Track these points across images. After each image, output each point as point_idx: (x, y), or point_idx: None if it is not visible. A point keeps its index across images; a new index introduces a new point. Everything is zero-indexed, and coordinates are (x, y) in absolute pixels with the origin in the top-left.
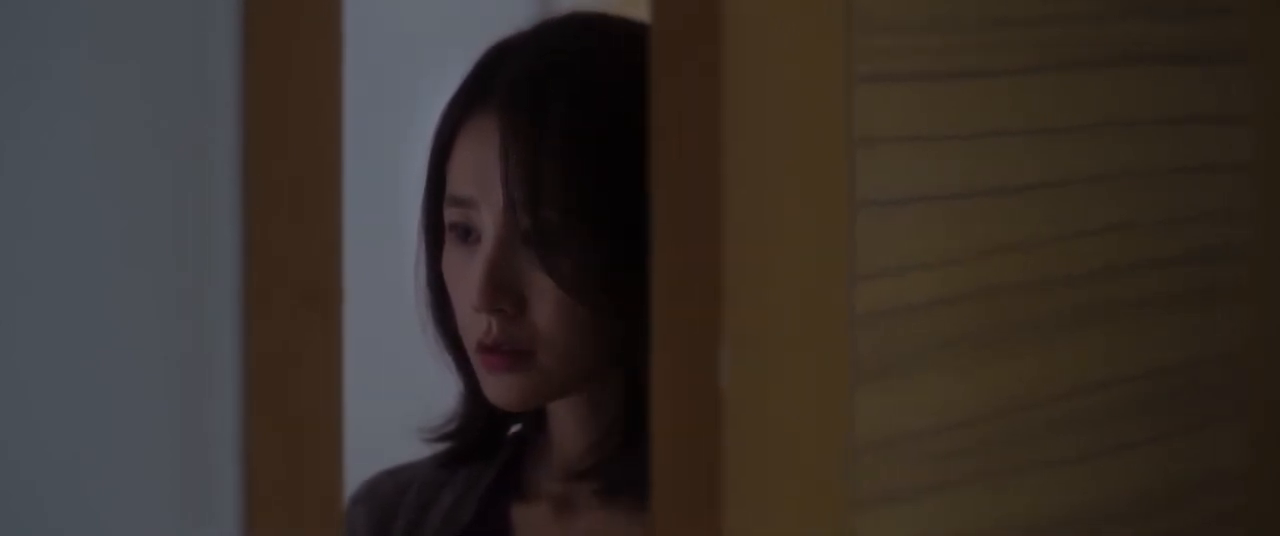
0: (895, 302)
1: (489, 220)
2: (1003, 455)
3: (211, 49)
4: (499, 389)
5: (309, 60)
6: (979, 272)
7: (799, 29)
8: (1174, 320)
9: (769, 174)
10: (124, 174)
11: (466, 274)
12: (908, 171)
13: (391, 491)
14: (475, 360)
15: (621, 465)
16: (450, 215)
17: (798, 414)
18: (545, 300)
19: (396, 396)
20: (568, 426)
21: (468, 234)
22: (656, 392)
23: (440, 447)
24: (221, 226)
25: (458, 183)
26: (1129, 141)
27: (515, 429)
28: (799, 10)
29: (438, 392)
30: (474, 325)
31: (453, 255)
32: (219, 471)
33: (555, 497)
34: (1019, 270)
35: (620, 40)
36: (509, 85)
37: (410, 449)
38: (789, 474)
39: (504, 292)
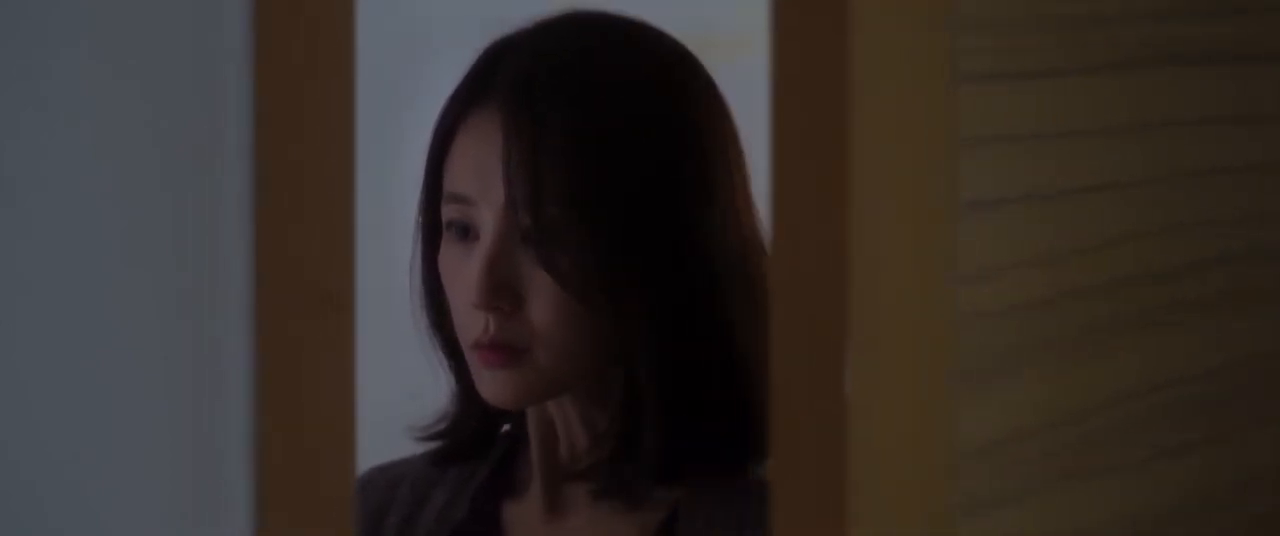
0: (993, 305)
1: (488, 218)
2: (1088, 457)
3: (221, 48)
4: (494, 386)
5: (320, 58)
6: (1068, 274)
7: (909, 27)
8: (1230, 319)
9: (884, 177)
10: (135, 175)
11: (464, 271)
12: (1002, 171)
13: (383, 488)
14: (471, 357)
15: (620, 466)
16: (448, 212)
17: (907, 419)
18: (543, 298)
19: (400, 396)
20: (561, 425)
21: (466, 231)
22: (776, 398)
23: (432, 446)
24: (232, 227)
25: (456, 180)
26: (1199, 140)
27: (506, 428)
28: (907, 8)
29: (437, 392)
30: (471, 323)
31: (449, 253)
32: (229, 474)
33: (547, 496)
34: (1102, 270)
35: (620, 38)
36: (511, 83)
37: (414, 449)
38: (899, 481)
39: (502, 290)
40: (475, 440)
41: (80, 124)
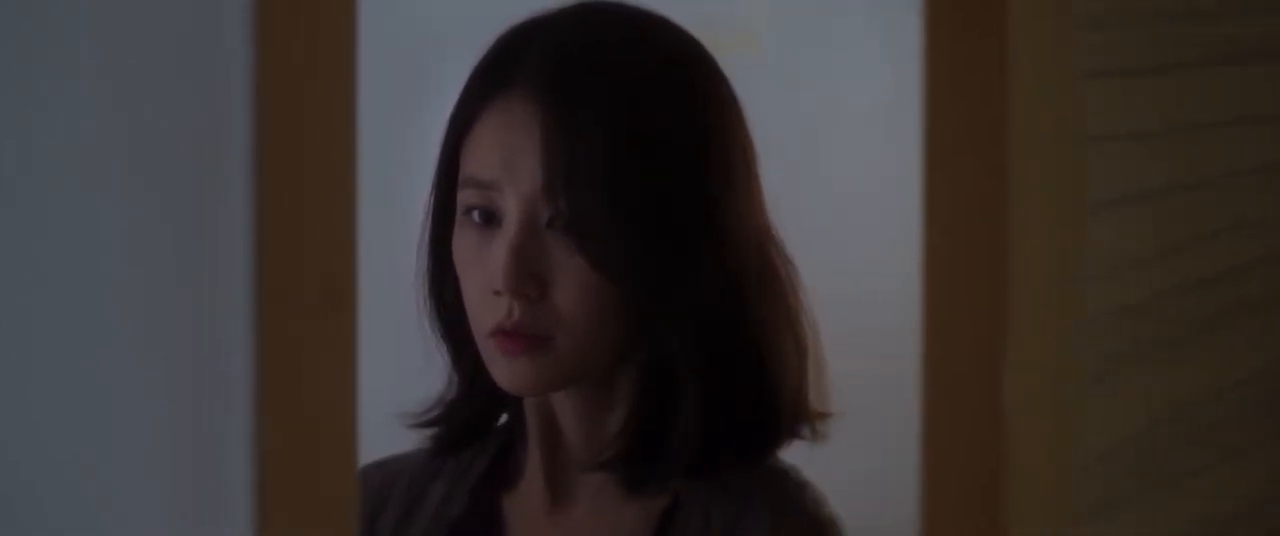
0: (1111, 304)
1: (513, 203)
2: (1188, 455)
3: (222, 46)
4: (513, 373)
5: (321, 56)
6: (1175, 269)
7: (1036, 23)
8: None
9: (1033, 178)
10: (135, 174)
11: (484, 257)
12: (1116, 168)
13: (380, 484)
14: (488, 344)
15: (650, 458)
16: (468, 198)
17: (1047, 423)
18: (571, 284)
19: (403, 394)
20: (566, 416)
21: (488, 217)
22: (929, 405)
23: (424, 434)
24: (233, 225)
25: (479, 165)
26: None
27: (504, 419)
28: (1042, 6)
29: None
30: (490, 309)
31: (467, 238)
32: (230, 474)
33: (550, 488)
34: (1206, 264)
35: (642, 29)
36: (542, 69)
37: (412, 441)
38: (1042, 487)
39: (528, 276)
40: (470, 429)
41: (80, 124)
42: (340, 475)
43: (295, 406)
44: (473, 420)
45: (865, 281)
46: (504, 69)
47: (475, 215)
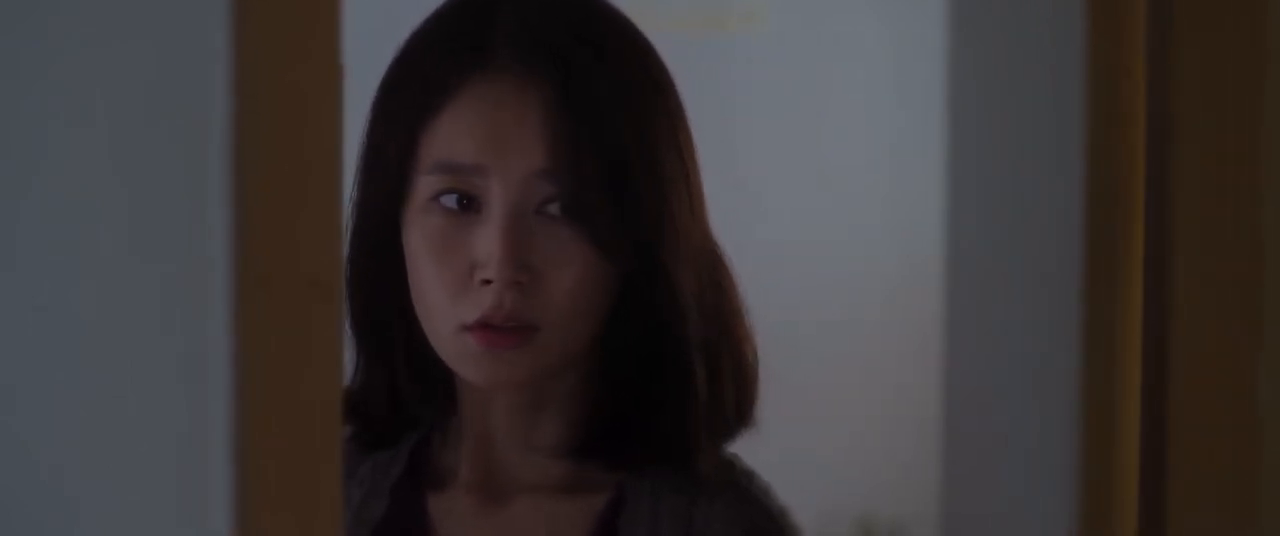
0: None
1: (498, 188)
2: None
3: (204, 32)
4: (495, 368)
5: (306, 43)
6: None
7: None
8: None
9: (1270, 171)
10: (116, 165)
11: (460, 245)
12: None
13: None
14: (461, 339)
15: (624, 444)
16: (440, 183)
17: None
18: (568, 269)
19: None
20: (502, 412)
21: (464, 202)
22: (1177, 418)
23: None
24: (217, 214)
25: (456, 149)
26: None
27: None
28: None
29: None
30: (469, 301)
31: (434, 226)
32: (213, 468)
33: (485, 485)
34: None
35: (596, 11)
36: (528, 50)
37: None
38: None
39: (520, 264)
40: (394, 427)
41: (60, 116)
42: (325, 469)
43: (279, 398)
44: (391, 418)
45: (869, 262)
46: (473, 49)
47: (450, 201)
